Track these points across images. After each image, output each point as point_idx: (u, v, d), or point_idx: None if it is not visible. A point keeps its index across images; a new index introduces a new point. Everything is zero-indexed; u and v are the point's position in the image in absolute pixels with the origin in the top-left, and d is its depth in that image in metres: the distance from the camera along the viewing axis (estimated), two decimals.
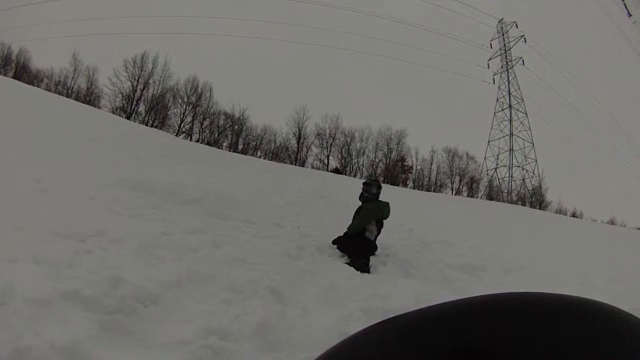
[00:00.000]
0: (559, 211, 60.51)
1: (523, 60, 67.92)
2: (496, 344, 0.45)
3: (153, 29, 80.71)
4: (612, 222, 56.31)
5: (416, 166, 68.40)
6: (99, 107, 51.65)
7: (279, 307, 4.63)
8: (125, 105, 58.76)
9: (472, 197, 61.50)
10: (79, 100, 46.44)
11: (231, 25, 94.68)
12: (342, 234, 8.27)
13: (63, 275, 3.93)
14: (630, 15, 60.65)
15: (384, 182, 14.15)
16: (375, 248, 8.03)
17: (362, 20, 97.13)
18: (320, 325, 4.35)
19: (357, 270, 7.01)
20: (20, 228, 4.95)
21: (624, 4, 59.40)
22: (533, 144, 67.36)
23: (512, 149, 67.75)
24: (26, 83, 41.24)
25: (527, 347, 0.44)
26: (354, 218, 8.34)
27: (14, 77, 48.96)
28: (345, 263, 7.31)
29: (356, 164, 67.01)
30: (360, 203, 8.61)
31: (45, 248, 4.48)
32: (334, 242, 8.13)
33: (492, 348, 0.44)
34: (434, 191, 61.40)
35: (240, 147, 63.30)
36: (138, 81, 59.38)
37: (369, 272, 7.18)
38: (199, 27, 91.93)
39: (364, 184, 8.93)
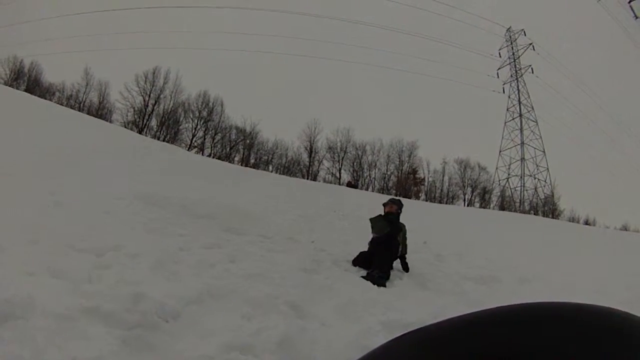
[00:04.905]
0: (572, 219, 60.16)
1: (532, 68, 67.83)
2: (519, 355, 0.45)
3: (164, 45, 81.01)
4: (625, 228, 55.93)
5: (428, 178, 68.28)
6: (110, 122, 51.98)
7: (299, 321, 4.63)
8: (137, 120, 59.11)
9: (484, 207, 61.24)
10: (90, 114, 46.73)
11: (241, 40, 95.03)
12: (364, 250, 8.33)
13: (83, 290, 3.94)
14: (637, 17, 60.55)
15: (396, 195, 14.14)
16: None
17: (370, 32, 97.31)
18: (341, 340, 4.35)
19: (374, 284, 7.01)
20: (36, 241, 4.97)
21: (631, 7, 59.30)
22: (544, 152, 67.14)
23: (523, 158, 67.49)
24: (38, 97, 41.57)
25: (550, 357, 0.44)
26: (387, 232, 8.33)
27: (26, 90, 49.28)
28: (361, 277, 7.30)
29: (368, 177, 66.99)
30: (369, 219, 8.68)
31: (63, 262, 4.50)
32: (354, 263, 8.14)
33: (516, 358, 0.44)
34: (446, 203, 61.20)
35: (252, 161, 63.41)
36: (149, 96, 59.73)
37: (385, 285, 7.16)
38: (209, 42, 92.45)
39: (396, 201, 8.99)
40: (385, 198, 9.50)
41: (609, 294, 8.04)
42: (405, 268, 8.31)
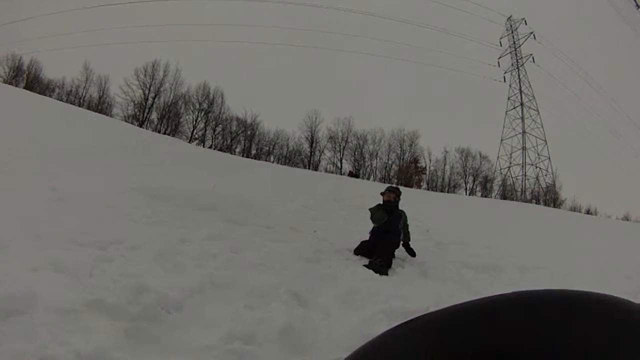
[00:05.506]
0: (574, 208, 60.12)
1: (533, 57, 67.81)
2: (519, 341, 0.45)
3: (163, 37, 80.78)
4: (626, 218, 55.94)
5: (429, 167, 68.27)
6: (111, 116, 51.98)
7: (301, 310, 4.64)
8: (138, 114, 59.07)
9: (486, 196, 61.21)
10: (90, 110, 46.69)
11: (240, 30, 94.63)
12: (365, 239, 8.38)
13: (85, 284, 3.94)
14: (639, 7, 60.35)
15: (398, 184, 14.13)
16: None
17: (370, 22, 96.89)
18: (343, 328, 4.36)
19: (376, 272, 7.03)
20: (38, 237, 4.96)
21: None
22: (546, 141, 67.12)
23: (524, 147, 67.47)
24: (38, 93, 41.52)
25: (550, 345, 0.44)
26: (386, 221, 8.35)
27: (26, 87, 49.32)
28: (364, 265, 7.32)
29: (369, 166, 66.97)
30: (369, 209, 8.68)
31: (65, 256, 4.48)
32: (356, 252, 8.17)
33: (516, 346, 0.45)
34: (447, 192, 61.17)
35: (253, 152, 63.41)
36: (149, 89, 59.70)
37: (387, 274, 7.18)
38: (208, 34, 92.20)
39: (394, 189, 8.98)
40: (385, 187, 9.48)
41: (610, 282, 8.05)
42: (412, 253, 8.38)
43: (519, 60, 69.56)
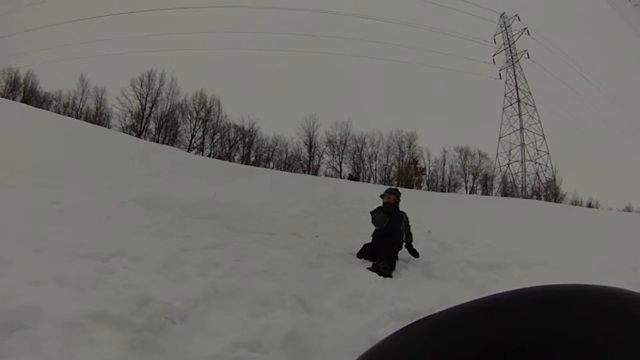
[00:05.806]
0: (575, 202, 60.14)
1: (528, 53, 67.94)
2: (529, 338, 0.44)
3: (158, 47, 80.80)
4: (628, 209, 55.95)
5: (429, 167, 68.34)
6: (109, 127, 52.04)
7: (306, 316, 4.63)
8: (136, 124, 59.16)
9: (486, 194, 61.28)
10: (88, 121, 46.74)
11: (234, 37, 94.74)
12: (367, 242, 8.40)
13: (89, 296, 3.93)
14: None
15: (398, 185, 14.14)
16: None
17: (363, 24, 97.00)
18: (349, 332, 4.35)
19: (380, 275, 7.02)
20: (39, 250, 4.94)
21: None
22: (544, 136, 67.18)
23: (523, 143, 67.51)
24: (35, 106, 41.61)
25: (562, 341, 0.43)
26: (388, 223, 8.36)
27: (23, 101, 49.44)
28: (367, 268, 7.32)
29: (369, 169, 67.03)
30: (370, 212, 8.69)
31: (68, 269, 4.47)
32: (359, 255, 8.20)
33: (526, 343, 0.44)
34: (448, 191, 61.21)
35: (252, 159, 63.51)
36: (146, 99, 59.82)
37: (391, 276, 7.17)
38: (202, 42, 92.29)
39: (393, 191, 8.97)
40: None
41: (616, 275, 8.03)
42: (415, 254, 8.38)
43: (514, 57, 69.74)
